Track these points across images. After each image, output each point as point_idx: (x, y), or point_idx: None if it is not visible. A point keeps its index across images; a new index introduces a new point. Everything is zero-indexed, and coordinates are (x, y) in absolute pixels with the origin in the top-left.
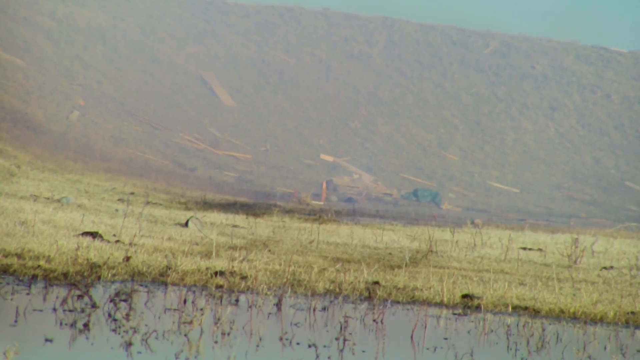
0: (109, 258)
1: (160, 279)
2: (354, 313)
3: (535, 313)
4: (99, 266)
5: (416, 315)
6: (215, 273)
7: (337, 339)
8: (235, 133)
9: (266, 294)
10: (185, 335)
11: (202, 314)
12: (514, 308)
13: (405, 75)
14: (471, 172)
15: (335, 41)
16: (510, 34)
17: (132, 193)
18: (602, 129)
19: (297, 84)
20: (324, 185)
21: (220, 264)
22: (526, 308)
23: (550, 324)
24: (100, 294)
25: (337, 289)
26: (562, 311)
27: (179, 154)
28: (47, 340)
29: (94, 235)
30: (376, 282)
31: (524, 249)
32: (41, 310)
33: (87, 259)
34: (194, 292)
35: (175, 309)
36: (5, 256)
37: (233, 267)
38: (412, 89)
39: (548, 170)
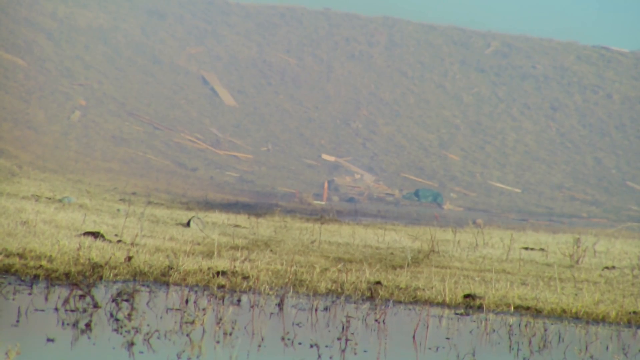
0: (110, 258)
1: (162, 279)
2: (356, 313)
3: (537, 313)
4: (101, 266)
5: (418, 315)
6: (217, 273)
7: (339, 339)
8: (236, 133)
9: (268, 294)
10: (187, 335)
11: (204, 314)
12: (516, 308)
13: (406, 75)
14: (472, 172)
15: (336, 41)
16: (511, 34)
17: (134, 193)
18: (603, 129)
19: (299, 84)
20: (326, 185)
21: (222, 264)
22: (528, 308)
23: (552, 324)
24: (102, 294)
25: (339, 289)
26: (564, 311)
27: (181, 154)
28: (49, 340)
29: (95, 235)
30: (378, 282)
31: (526, 248)
32: (43, 310)
33: (89, 259)
34: (195, 292)
35: (177, 309)
36: (7, 256)
37: (235, 267)
38: (413, 89)
39: (549, 170)
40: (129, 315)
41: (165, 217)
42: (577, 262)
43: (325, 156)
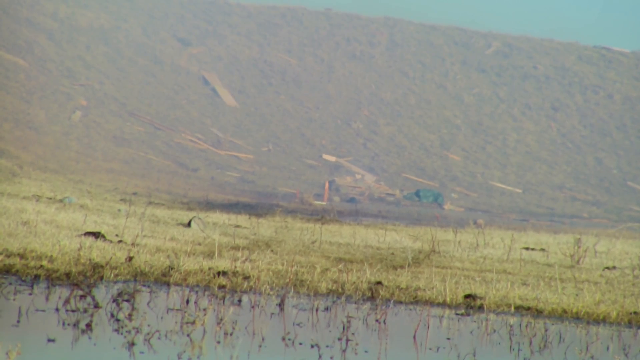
0: (111, 258)
1: (163, 279)
2: (357, 313)
3: (537, 313)
4: (102, 266)
5: (419, 316)
6: (218, 273)
7: (339, 339)
8: (237, 133)
9: (269, 294)
10: (188, 335)
11: (204, 314)
12: (517, 308)
13: (407, 75)
14: (473, 172)
15: (337, 42)
16: (512, 35)
17: (135, 193)
18: (604, 130)
19: (300, 85)
20: (327, 185)
21: (222, 264)
22: (529, 308)
23: (552, 324)
24: (102, 294)
25: (340, 289)
26: (564, 311)
27: (181, 155)
28: (49, 340)
29: (96, 235)
30: (379, 282)
31: (527, 249)
32: (44, 311)
33: (90, 259)
34: (196, 292)
35: (177, 309)
36: (8, 256)
37: (235, 267)
38: (414, 90)
39: (550, 170)
40: (130, 315)
41: (166, 217)
42: (577, 262)
43: (326, 156)
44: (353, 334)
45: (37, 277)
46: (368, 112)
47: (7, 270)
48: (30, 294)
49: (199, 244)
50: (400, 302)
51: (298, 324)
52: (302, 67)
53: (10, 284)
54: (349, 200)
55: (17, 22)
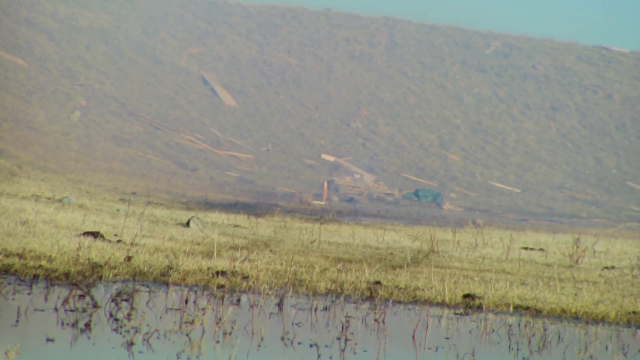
0: (110, 258)
1: (162, 279)
2: (356, 313)
3: (536, 313)
4: (101, 266)
5: (418, 315)
6: (217, 273)
7: (338, 338)
8: (236, 133)
9: (267, 294)
10: (187, 335)
11: (203, 314)
12: (516, 308)
13: (407, 75)
14: (473, 172)
15: (337, 41)
16: (512, 35)
17: (134, 193)
18: (604, 129)
19: (299, 85)
20: (326, 185)
21: (221, 264)
22: (528, 308)
23: (551, 324)
24: (101, 293)
25: (339, 289)
26: (563, 311)
27: (181, 154)
28: (48, 340)
29: (95, 235)
30: (378, 282)
31: (526, 249)
32: (42, 310)
33: (89, 259)
34: (195, 292)
35: (176, 309)
36: (7, 256)
37: (234, 267)
38: (413, 90)
39: (550, 170)
40: (129, 315)
41: (165, 217)
42: (576, 262)
43: (325, 156)
44: (352, 333)
45: (36, 276)
46: (368, 112)
47: (6, 270)
48: (29, 293)
49: (198, 244)
50: (399, 302)
51: (297, 324)
52: (301, 67)
53: (9, 283)
54: (348, 200)
55: (17, 22)
